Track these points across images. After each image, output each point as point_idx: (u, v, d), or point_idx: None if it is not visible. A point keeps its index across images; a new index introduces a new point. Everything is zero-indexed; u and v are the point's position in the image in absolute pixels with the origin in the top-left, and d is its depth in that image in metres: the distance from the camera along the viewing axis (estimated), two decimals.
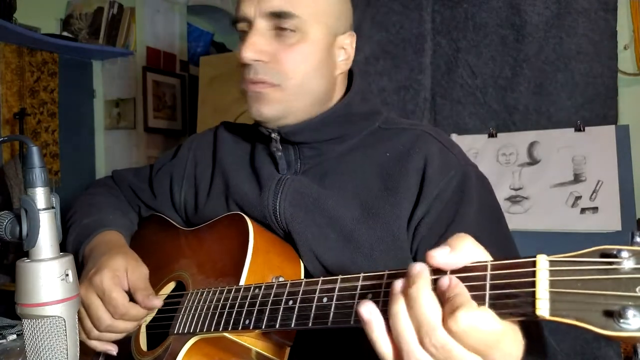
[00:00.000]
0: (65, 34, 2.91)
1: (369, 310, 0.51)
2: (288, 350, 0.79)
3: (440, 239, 0.81)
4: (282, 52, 0.85)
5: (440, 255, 0.50)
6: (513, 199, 2.16)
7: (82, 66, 3.12)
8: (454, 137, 2.28)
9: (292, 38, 0.85)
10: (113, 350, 0.87)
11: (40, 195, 0.59)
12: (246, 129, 1.06)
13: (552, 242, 2.03)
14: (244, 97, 0.90)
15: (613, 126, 2.02)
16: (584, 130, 2.07)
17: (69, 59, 3.00)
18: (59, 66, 2.94)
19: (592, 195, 2.02)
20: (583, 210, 2.02)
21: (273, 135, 0.90)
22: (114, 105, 3.19)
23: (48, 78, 2.89)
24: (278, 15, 0.84)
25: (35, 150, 0.59)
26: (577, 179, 2.06)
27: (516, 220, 2.10)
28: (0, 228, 0.60)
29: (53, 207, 0.60)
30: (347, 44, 0.93)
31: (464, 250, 0.50)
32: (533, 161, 2.15)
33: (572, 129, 2.09)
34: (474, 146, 2.26)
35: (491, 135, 2.24)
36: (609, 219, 1.96)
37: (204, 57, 3.12)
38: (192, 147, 1.09)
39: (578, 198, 2.04)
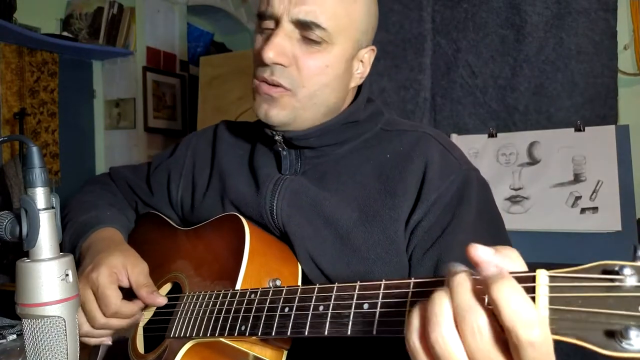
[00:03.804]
0: (65, 34, 2.91)
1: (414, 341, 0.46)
2: (285, 353, 0.78)
3: (436, 242, 0.80)
4: (303, 58, 0.83)
5: (483, 251, 0.45)
6: (513, 199, 2.16)
7: (82, 66, 3.12)
8: (454, 137, 2.28)
9: (316, 47, 0.83)
10: (107, 340, 0.87)
11: (40, 195, 0.59)
12: (247, 128, 1.05)
13: (552, 242, 2.03)
14: (253, 94, 0.88)
15: (613, 126, 2.03)
16: (584, 130, 2.07)
17: (69, 59, 3.00)
18: (59, 66, 2.94)
19: (592, 195, 2.02)
20: (583, 210, 2.02)
21: (277, 137, 0.89)
22: (114, 105, 3.19)
23: (48, 78, 2.89)
24: (305, 24, 0.82)
25: (35, 150, 0.59)
26: (577, 179, 2.06)
27: (516, 220, 2.10)
28: (0, 228, 0.60)
29: (53, 207, 0.60)
30: (366, 57, 0.91)
31: (507, 257, 0.46)
32: (533, 161, 2.15)
33: (572, 129, 2.09)
34: (474, 146, 2.25)
35: (491, 135, 2.24)
36: (609, 219, 1.96)
37: (204, 57, 3.12)
38: (190, 145, 1.09)
39: (578, 198, 2.04)
